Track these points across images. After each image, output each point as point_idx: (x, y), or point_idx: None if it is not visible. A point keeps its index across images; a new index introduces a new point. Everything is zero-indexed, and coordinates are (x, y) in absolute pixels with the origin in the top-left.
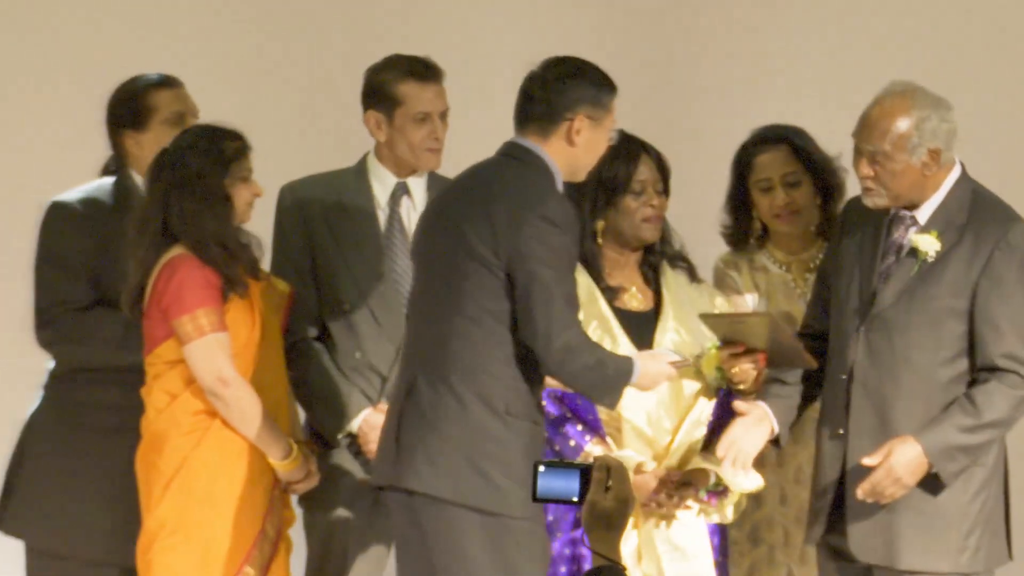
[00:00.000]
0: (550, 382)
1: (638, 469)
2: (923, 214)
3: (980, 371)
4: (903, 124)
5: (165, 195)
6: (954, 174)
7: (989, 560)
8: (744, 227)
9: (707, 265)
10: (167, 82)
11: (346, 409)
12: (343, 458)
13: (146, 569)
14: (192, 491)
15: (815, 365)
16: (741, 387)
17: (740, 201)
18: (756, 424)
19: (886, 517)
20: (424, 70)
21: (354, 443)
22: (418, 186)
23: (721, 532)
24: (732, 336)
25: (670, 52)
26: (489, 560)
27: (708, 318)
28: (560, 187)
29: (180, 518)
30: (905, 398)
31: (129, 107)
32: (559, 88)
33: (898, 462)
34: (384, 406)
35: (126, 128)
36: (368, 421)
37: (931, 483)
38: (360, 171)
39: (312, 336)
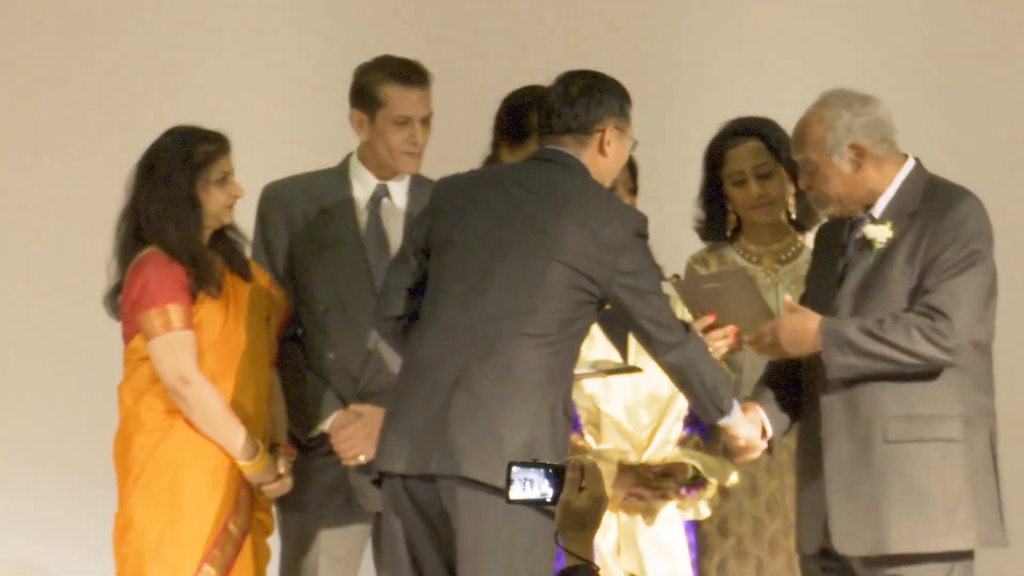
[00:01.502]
0: None
1: (621, 463)
2: (877, 209)
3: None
4: (816, 128)
5: (137, 197)
6: (906, 168)
7: (980, 539)
8: (718, 221)
9: (673, 263)
10: None
11: (318, 409)
12: (316, 459)
13: (121, 563)
14: (155, 489)
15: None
16: None
17: (713, 195)
18: (753, 423)
19: (872, 506)
20: (409, 73)
21: (326, 443)
22: (399, 189)
23: (694, 529)
24: (704, 304)
25: (638, 50)
26: (536, 550)
27: (680, 285)
28: None
29: (145, 515)
30: (875, 387)
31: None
32: (589, 102)
33: (789, 323)
34: (357, 406)
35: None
36: (339, 421)
37: (913, 463)
38: (342, 172)
39: (287, 336)
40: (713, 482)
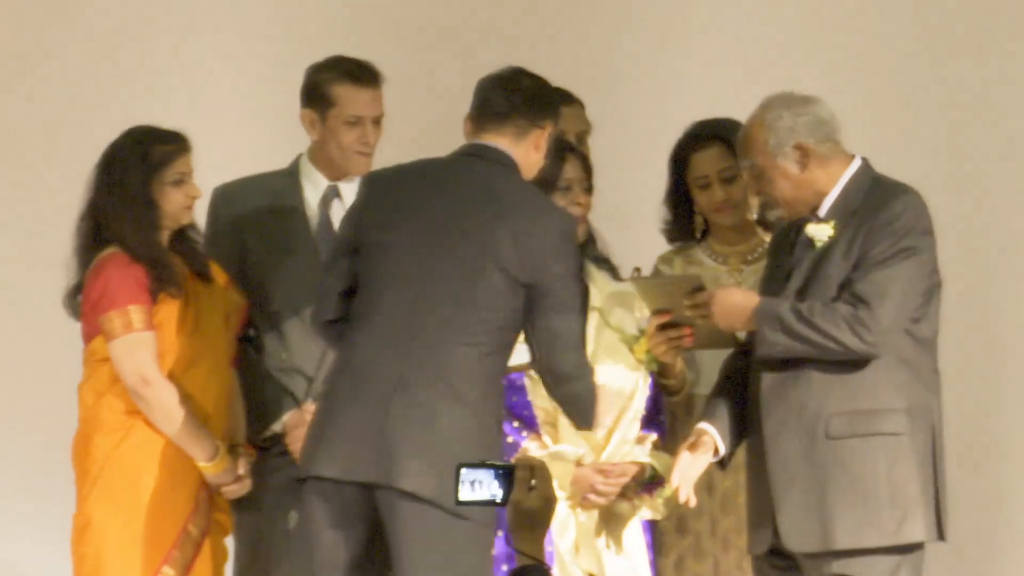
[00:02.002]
0: None
1: (577, 462)
2: (823, 208)
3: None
4: (759, 132)
5: (95, 197)
6: (852, 168)
7: (926, 533)
8: (684, 223)
9: (629, 262)
10: None
11: (271, 410)
12: (270, 459)
13: (78, 562)
14: (114, 490)
15: (740, 339)
16: (666, 381)
17: (679, 197)
18: (703, 452)
19: (817, 502)
20: (360, 73)
21: (280, 443)
22: (349, 189)
23: (652, 529)
24: (661, 302)
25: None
26: (461, 565)
27: (639, 282)
28: None
29: (103, 516)
30: (818, 383)
31: None
32: (536, 98)
33: (727, 296)
34: (310, 406)
35: None
36: (292, 421)
37: (856, 458)
38: (292, 173)
39: (241, 337)
40: (670, 482)
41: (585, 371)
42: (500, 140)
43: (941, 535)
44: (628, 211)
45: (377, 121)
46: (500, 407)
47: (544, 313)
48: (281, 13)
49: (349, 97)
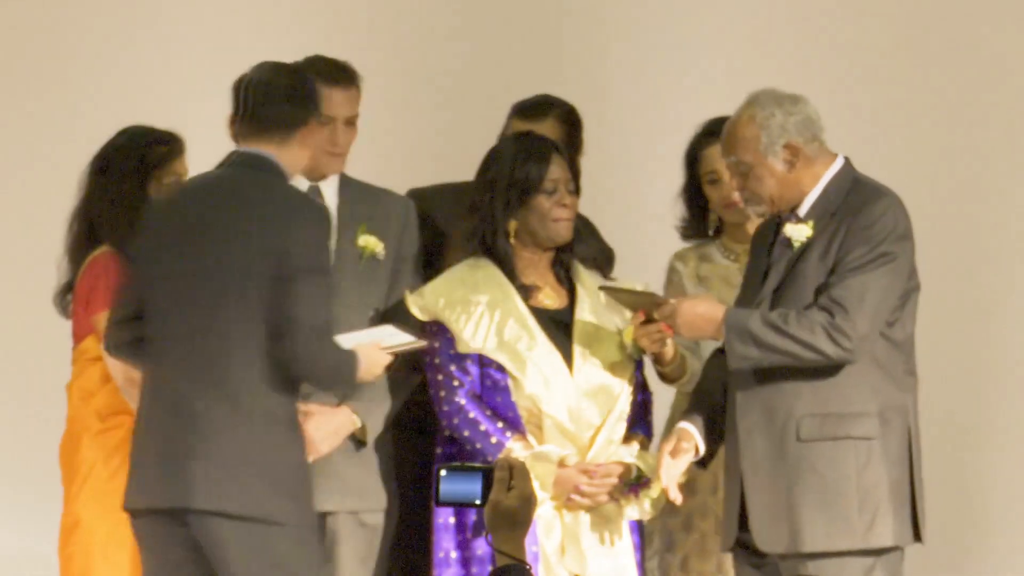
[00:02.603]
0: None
1: (561, 463)
2: (803, 208)
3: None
4: (749, 129)
5: (89, 197)
6: (834, 167)
7: (896, 536)
8: (699, 220)
9: (637, 263)
10: None
11: None
12: None
13: (66, 563)
14: (103, 491)
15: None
16: (662, 369)
17: (693, 194)
18: (684, 453)
19: (786, 504)
20: (333, 72)
21: None
22: (330, 190)
23: (639, 529)
24: (635, 306)
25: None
26: (271, 571)
27: (607, 290)
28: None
29: (92, 517)
30: (790, 385)
31: None
32: (298, 95)
33: (691, 307)
34: (304, 406)
35: None
36: None
37: (826, 462)
38: None
39: None
40: (657, 482)
41: (326, 346)
42: (264, 145)
43: (918, 537)
44: (631, 213)
45: (350, 122)
46: (288, 404)
47: (287, 303)
48: (281, 13)
49: (321, 96)
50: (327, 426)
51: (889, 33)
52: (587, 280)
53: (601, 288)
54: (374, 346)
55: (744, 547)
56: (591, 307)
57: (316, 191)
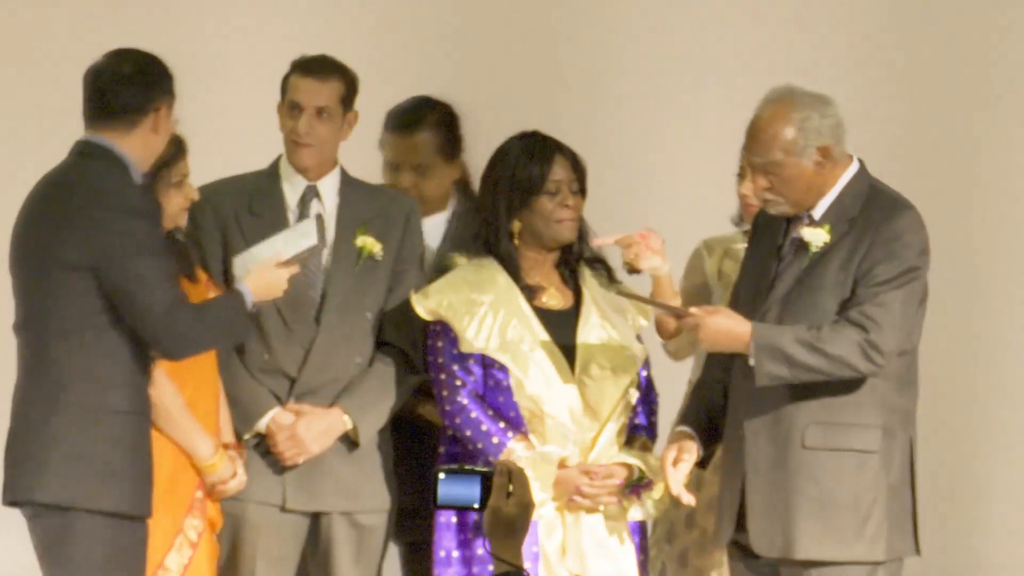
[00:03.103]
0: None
1: (562, 464)
2: (818, 210)
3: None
4: (787, 130)
5: None
6: (851, 170)
7: (891, 550)
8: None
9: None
10: None
11: (254, 410)
12: (252, 459)
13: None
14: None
15: None
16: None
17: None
18: (687, 457)
19: (784, 509)
20: (309, 63)
21: (262, 444)
22: (328, 189)
23: (641, 530)
24: (654, 310)
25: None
26: (103, 560)
27: (627, 295)
28: (139, 178)
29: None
30: (799, 392)
31: None
32: (145, 81)
33: (715, 323)
34: (295, 405)
35: None
36: (276, 421)
37: (827, 471)
38: (272, 173)
39: None
40: (659, 484)
41: (184, 316)
42: (108, 133)
43: (916, 549)
44: (630, 217)
45: (320, 112)
46: (123, 396)
47: (123, 293)
48: (277, 14)
49: (293, 85)
50: (317, 426)
51: (889, 33)
52: (591, 281)
53: (619, 292)
54: (267, 265)
55: (739, 547)
56: (596, 308)
57: (314, 191)
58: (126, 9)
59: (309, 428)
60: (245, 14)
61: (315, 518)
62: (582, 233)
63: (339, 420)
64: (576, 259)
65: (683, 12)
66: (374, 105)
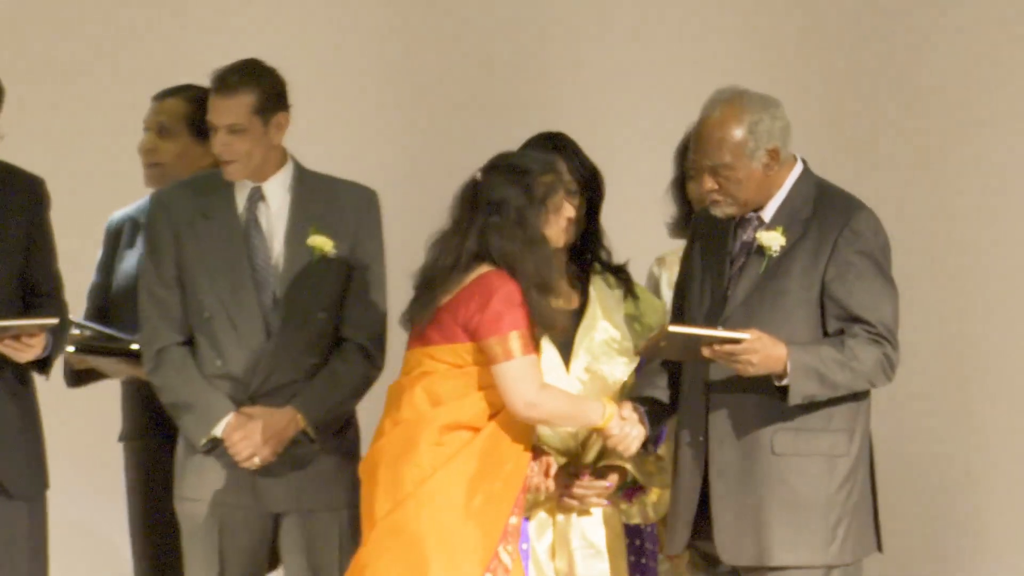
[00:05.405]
0: None
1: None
2: (768, 212)
3: (847, 325)
4: (738, 132)
5: None
6: (796, 171)
7: (856, 550)
8: (688, 217)
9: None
10: None
11: (209, 414)
12: (210, 462)
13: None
14: (448, 503)
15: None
16: None
17: (681, 190)
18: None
19: (754, 517)
20: (216, 80)
21: (219, 447)
22: (275, 189)
23: (641, 532)
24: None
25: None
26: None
27: (675, 333)
28: None
29: (431, 529)
30: (765, 398)
31: None
32: None
33: (763, 347)
34: (249, 409)
35: None
36: (231, 425)
37: (794, 477)
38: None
39: (178, 342)
40: (655, 487)
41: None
42: None
43: (879, 546)
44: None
45: (232, 129)
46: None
47: None
48: (276, 13)
49: (208, 105)
50: (270, 428)
51: (856, 31)
52: (600, 284)
53: (671, 333)
54: None
55: (701, 555)
56: (601, 310)
57: (259, 192)
58: (126, 9)
59: (262, 430)
60: (245, 14)
61: (274, 518)
62: (597, 239)
63: (291, 419)
64: (590, 263)
65: (666, 14)
66: (374, 105)
